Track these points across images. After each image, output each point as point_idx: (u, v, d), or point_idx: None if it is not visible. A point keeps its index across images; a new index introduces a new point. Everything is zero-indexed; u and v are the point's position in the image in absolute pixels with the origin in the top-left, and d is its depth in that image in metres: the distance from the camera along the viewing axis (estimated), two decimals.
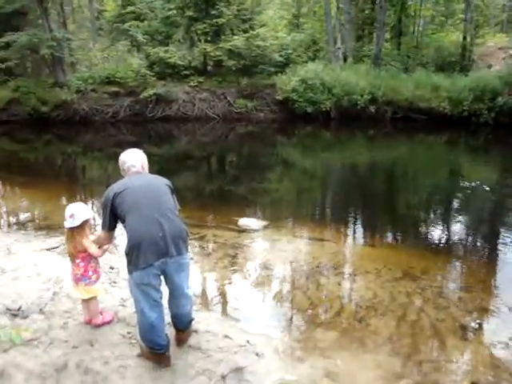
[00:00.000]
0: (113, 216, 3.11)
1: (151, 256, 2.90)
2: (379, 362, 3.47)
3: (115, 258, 4.98)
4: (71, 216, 3.34)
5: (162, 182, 3.25)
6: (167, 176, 3.42)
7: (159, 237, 2.92)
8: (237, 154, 14.45)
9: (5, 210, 8.22)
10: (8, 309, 3.93)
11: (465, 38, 19.50)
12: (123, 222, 3.05)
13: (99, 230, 3.38)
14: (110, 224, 3.16)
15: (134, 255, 2.93)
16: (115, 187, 3.11)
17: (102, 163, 13.14)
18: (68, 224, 3.37)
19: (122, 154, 3.34)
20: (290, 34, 22.86)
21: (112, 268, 4.83)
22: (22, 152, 14.52)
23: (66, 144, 15.95)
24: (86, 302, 3.58)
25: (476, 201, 8.24)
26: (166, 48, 19.25)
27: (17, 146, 15.52)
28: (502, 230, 6.62)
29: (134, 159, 3.30)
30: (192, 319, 3.48)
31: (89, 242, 3.40)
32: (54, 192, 9.13)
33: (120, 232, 3.53)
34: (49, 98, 17.74)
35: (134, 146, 3.52)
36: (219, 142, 16.14)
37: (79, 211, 3.38)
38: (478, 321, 4.04)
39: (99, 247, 3.45)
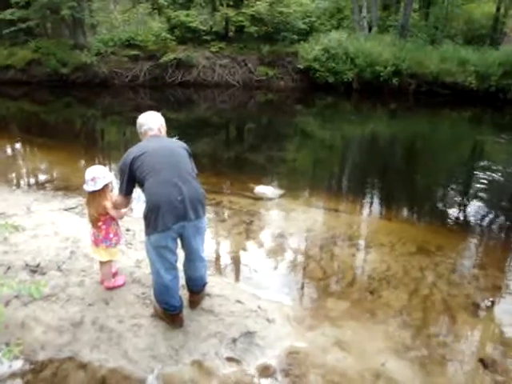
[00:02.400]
0: (131, 180, 3.11)
1: (170, 219, 2.91)
2: (389, 333, 3.49)
3: (131, 221, 5.04)
4: (93, 179, 3.34)
5: (180, 146, 3.23)
6: (185, 141, 3.41)
7: (178, 200, 2.92)
8: (256, 122, 14.32)
9: (25, 170, 8.35)
10: (27, 265, 4.05)
11: (498, 9, 18.66)
12: (142, 185, 3.05)
13: (116, 194, 3.38)
14: (128, 188, 3.17)
15: (153, 218, 2.94)
16: (134, 151, 3.09)
17: (120, 127, 13.16)
18: (90, 187, 3.37)
19: (139, 117, 3.32)
20: (314, 0, 22.20)
21: (128, 230, 4.90)
22: (42, 114, 14.63)
23: (85, 107, 15.99)
24: (101, 263, 3.64)
25: (497, 180, 8.07)
26: (188, 12, 18.89)
27: (37, 107, 15.63)
28: None
29: (151, 122, 3.27)
30: (206, 283, 3.53)
31: (110, 204, 3.42)
32: (73, 154, 9.21)
33: (136, 195, 3.56)
34: (69, 60, 17.65)
35: (152, 110, 3.49)
36: (238, 109, 15.99)
37: (101, 174, 3.37)
38: (490, 299, 4.01)
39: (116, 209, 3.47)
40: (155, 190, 2.95)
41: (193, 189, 3.03)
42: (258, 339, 3.30)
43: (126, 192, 3.19)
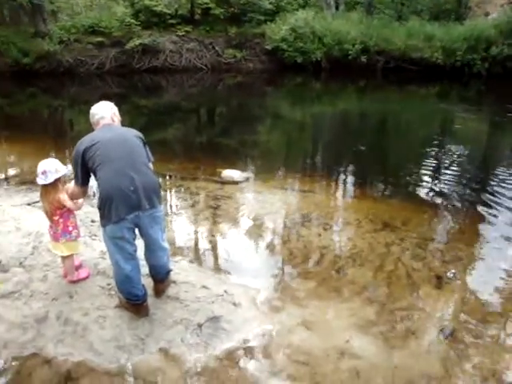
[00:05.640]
0: (85, 170, 3.05)
1: (123, 210, 2.88)
2: (354, 310, 3.55)
3: (96, 212, 4.94)
4: (43, 173, 3.26)
5: (133, 134, 3.17)
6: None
7: (131, 190, 2.88)
8: (225, 105, 14.24)
9: None
10: None
11: None
12: (95, 175, 3.00)
13: (72, 184, 3.32)
14: (83, 179, 3.11)
15: (106, 209, 2.91)
16: (85, 141, 3.03)
17: (88, 117, 12.83)
18: (40, 181, 3.30)
19: (92, 107, 3.26)
20: None
21: (93, 221, 4.82)
22: (6, 106, 14.17)
23: (51, 97, 15.58)
24: (63, 258, 3.58)
25: (463, 154, 8.24)
26: None
27: (0, 99, 15.14)
28: (486, 184, 6.63)
29: (103, 111, 3.21)
30: (169, 270, 3.51)
31: (65, 196, 3.35)
32: (40, 146, 8.94)
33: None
34: (30, 49, 17.06)
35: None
36: (208, 93, 15.85)
37: (52, 168, 3.28)
38: (453, 271, 4.10)
39: (73, 201, 3.41)
40: (107, 181, 2.91)
41: (146, 178, 2.99)
42: (224, 323, 3.31)
43: (82, 182, 3.14)
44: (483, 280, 4.03)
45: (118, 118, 3.30)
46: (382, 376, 2.90)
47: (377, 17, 18.07)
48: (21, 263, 3.96)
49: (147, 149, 3.22)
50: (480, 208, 5.61)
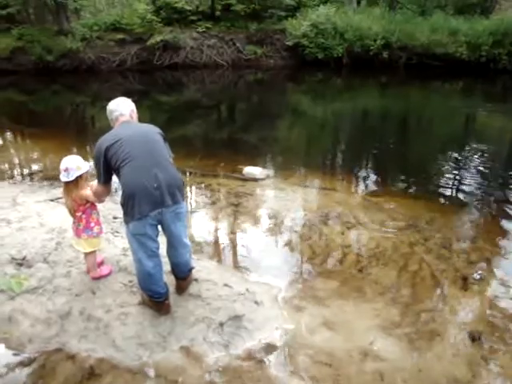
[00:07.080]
0: (107, 169, 3.05)
1: (146, 207, 2.87)
2: (377, 310, 3.49)
3: (119, 208, 4.98)
4: (66, 170, 3.29)
5: (153, 131, 3.16)
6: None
7: (154, 187, 2.87)
8: (246, 101, 14.21)
9: (13, 161, 8.26)
10: (13, 258, 4.00)
11: None
12: (117, 173, 3.00)
13: (95, 183, 3.33)
14: (105, 177, 3.11)
15: (130, 206, 2.90)
16: (106, 139, 3.02)
17: None
18: (63, 178, 3.33)
19: (109, 104, 3.24)
20: None
21: (115, 218, 4.86)
22: (31, 103, 14.43)
23: (73, 94, 15.77)
24: (85, 254, 3.61)
25: (488, 152, 8.04)
26: None
27: (25, 96, 15.41)
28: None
29: (122, 107, 3.20)
30: (191, 268, 3.50)
31: (87, 191, 3.37)
32: (63, 142, 9.05)
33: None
34: (54, 47, 17.32)
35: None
36: (228, 89, 15.84)
37: (74, 165, 3.31)
38: (479, 272, 4.00)
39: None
40: (130, 178, 2.90)
41: (169, 174, 2.97)
42: (246, 322, 3.29)
43: (104, 181, 3.13)
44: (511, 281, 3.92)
45: (135, 114, 3.29)
46: (407, 379, 2.84)
47: (399, 12, 17.79)
48: (45, 259, 4.00)
49: (167, 145, 3.21)
50: (507, 207, 5.47)
